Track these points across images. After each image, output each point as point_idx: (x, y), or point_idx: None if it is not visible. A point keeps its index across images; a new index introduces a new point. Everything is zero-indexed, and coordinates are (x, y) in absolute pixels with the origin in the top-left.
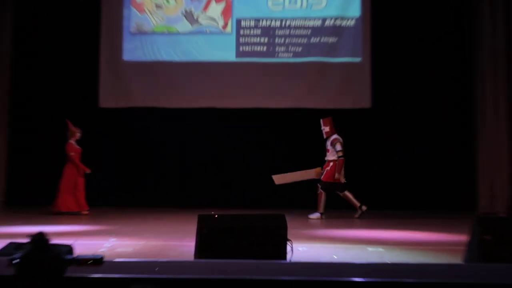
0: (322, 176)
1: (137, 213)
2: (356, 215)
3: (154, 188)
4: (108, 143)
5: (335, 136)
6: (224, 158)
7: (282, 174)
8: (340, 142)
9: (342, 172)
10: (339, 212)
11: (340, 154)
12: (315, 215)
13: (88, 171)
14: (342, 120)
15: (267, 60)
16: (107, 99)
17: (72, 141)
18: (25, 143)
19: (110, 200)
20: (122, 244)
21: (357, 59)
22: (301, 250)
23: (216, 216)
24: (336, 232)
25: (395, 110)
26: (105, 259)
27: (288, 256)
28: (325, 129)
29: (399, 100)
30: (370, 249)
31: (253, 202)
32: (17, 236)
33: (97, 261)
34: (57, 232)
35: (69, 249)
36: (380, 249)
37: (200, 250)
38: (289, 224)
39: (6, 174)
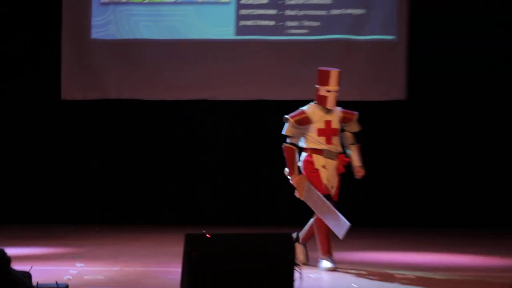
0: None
1: (110, 231)
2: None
3: (131, 200)
4: (74, 143)
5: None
6: (224, 163)
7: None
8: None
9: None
10: (359, 230)
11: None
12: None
13: None
14: (369, 115)
15: (275, 38)
16: (72, 90)
17: None
18: None
19: (75, 216)
20: (92, 271)
21: (390, 37)
22: (313, 277)
23: (209, 236)
24: (356, 255)
25: (434, 103)
26: None
27: (296, 285)
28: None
29: (442, 90)
30: (398, 276)
31: (262, 218)
32: None
33: None
34: (11, 255)
35: (26, 276)
36: (410, 275)
37: (189, 279)
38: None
39: None
